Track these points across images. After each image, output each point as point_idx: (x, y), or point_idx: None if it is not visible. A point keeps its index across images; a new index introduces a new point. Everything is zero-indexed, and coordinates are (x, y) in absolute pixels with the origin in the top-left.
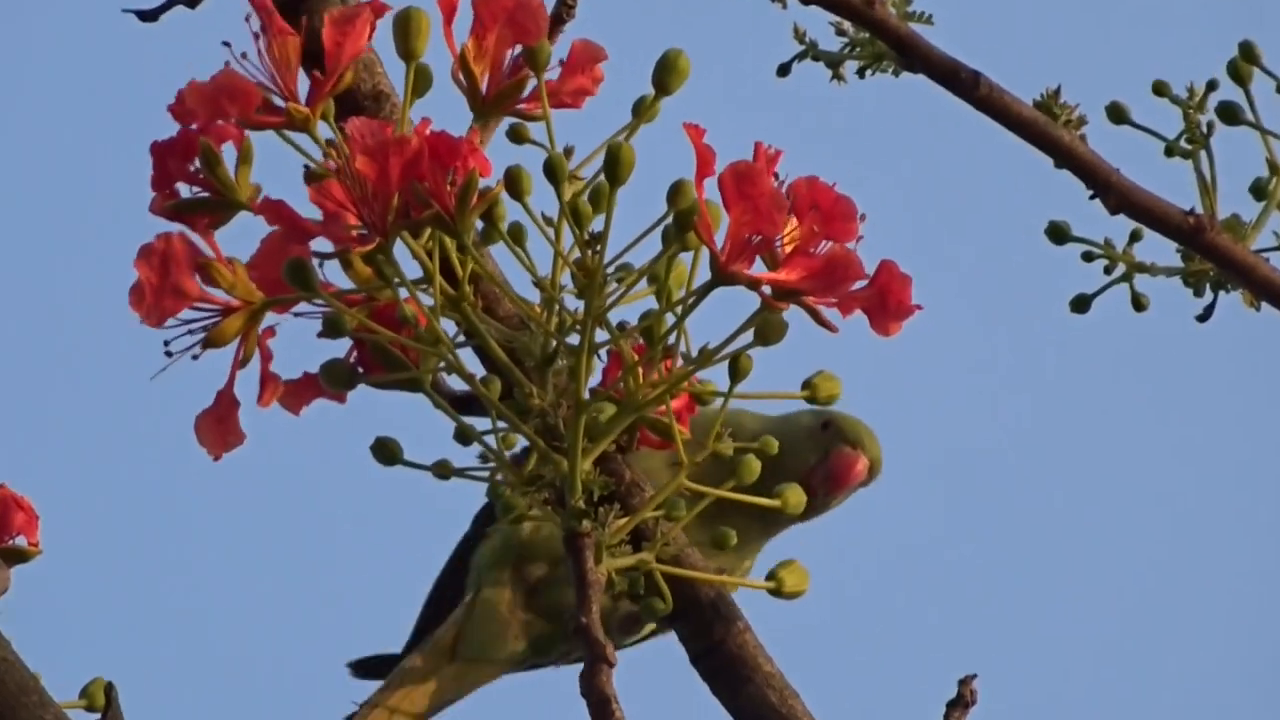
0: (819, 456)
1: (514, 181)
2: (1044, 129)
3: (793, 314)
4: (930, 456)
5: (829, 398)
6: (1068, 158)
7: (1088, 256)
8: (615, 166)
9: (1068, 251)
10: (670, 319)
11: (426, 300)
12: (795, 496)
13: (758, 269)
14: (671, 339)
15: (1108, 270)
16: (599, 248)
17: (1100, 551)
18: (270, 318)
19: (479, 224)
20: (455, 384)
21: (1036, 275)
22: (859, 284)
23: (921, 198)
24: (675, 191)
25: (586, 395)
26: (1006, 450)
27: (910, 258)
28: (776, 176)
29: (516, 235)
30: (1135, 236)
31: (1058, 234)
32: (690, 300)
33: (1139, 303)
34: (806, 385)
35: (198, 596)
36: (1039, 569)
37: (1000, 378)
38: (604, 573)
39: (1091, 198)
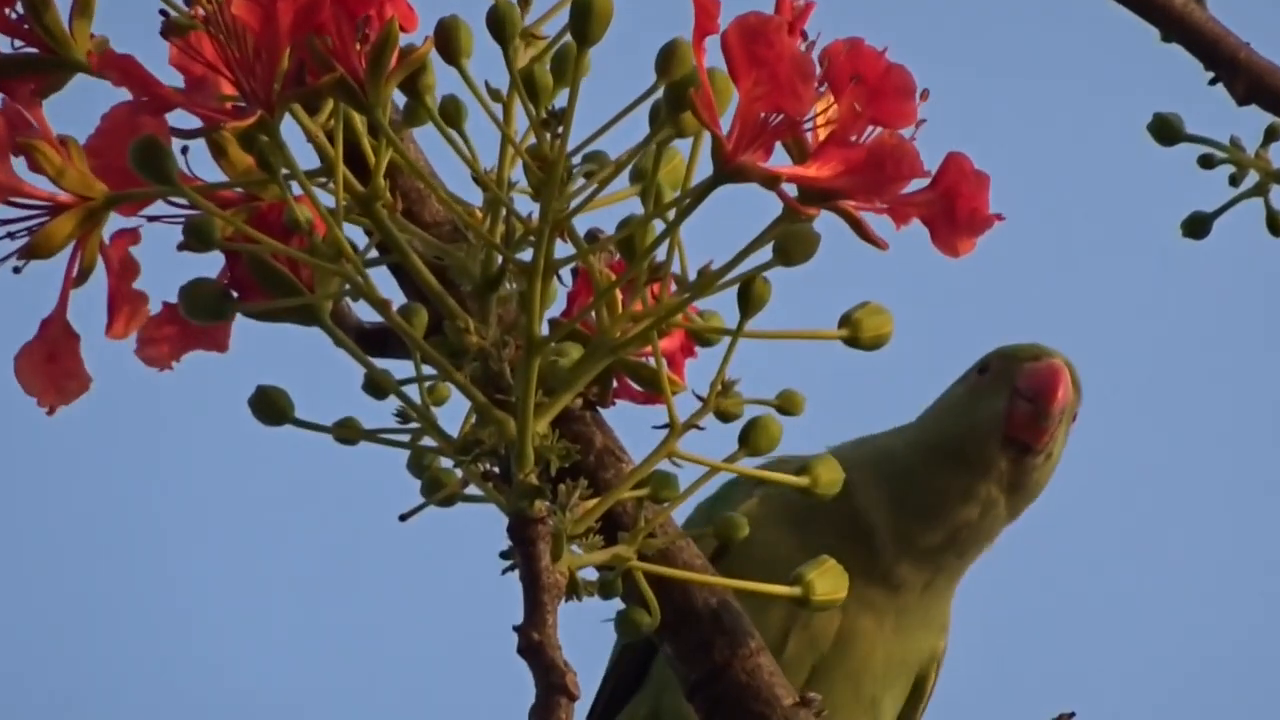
0: (1004, 399)
1: (448, 38)
2: None
3: (827, 224)
4: None
5: (876, 338)
6: (1179, 27)
7: (1207, 161)
8: (585, 20)
9: (1180, 155)
10: (659, 227)
11: (326, 200)
12: (829, 473)
13: (778, 161)
14: (661, 255)
15: (1234, 180)
16: (561, 131)
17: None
18: (121, 222)
19: (399, 97)
20: (365, 315)
21: (1140, 186)
22: (917, 185)
23: (994, 81)
24: (667, 55)
25: (543, 330)
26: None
27: (977, 156)
28: (805, 37)
29: (451, 114)
30: (1272, 135)
31: (1166, 131)
32: (686, 202)
33: (1276, 224)
34: (845, 321)
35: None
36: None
37: (1090, 320)
38: (565, 572)
39: (1213, 82)
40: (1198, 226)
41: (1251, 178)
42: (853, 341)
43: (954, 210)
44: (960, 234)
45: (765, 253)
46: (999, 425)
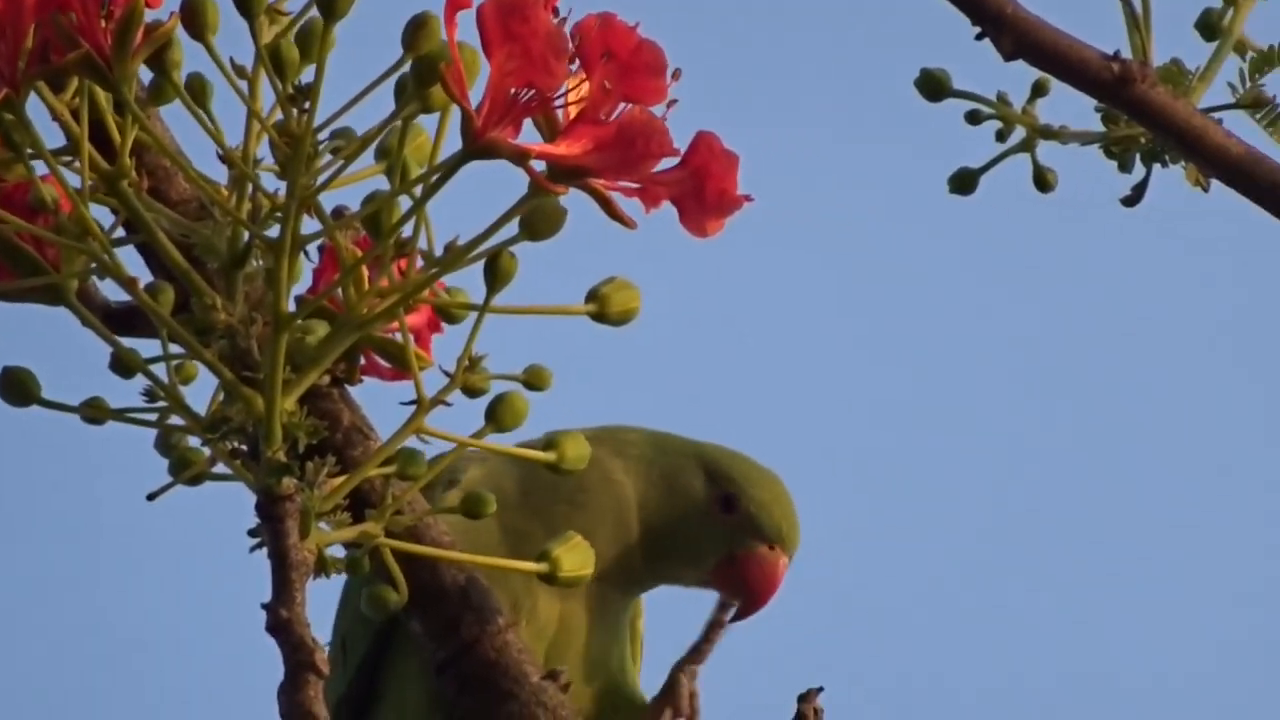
0: (722, 553)
1: (194, 14)
2: None
3: (580, 204)
4: (769, 385)
5: (623, 313)
6: None
7: (974, 117)
8: None
9: (946, 110)
10: (405, 204)
11: (72, 179)
12: (575, 449)
13: (527, 138)
14: (408, 231)
15: (1001, 136)
16: (308, 106)
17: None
18: None
19: (145, 74)
20: (113, 294)
21: (905, 143)
22: (667, 164)
23: (750, 45)
24: (415, 28)
25: (290, 307)
26: (869, 380)
27: (735, 129)
28: (556, 13)
29: (197, 91)
30: (1039, 90)
31: (933, 87)
32: (434, 178)
33: (1044, 180)
34: (593, 296)
35: None
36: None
37: (855, 282)
38: (313, 549)
39: (979, 37)
40: (965, 182)
41: (1019, 133)
42: (600, 316)
43: (703, 190)
44: (709, 214)
45: (513, 228)
46: (714, 572)
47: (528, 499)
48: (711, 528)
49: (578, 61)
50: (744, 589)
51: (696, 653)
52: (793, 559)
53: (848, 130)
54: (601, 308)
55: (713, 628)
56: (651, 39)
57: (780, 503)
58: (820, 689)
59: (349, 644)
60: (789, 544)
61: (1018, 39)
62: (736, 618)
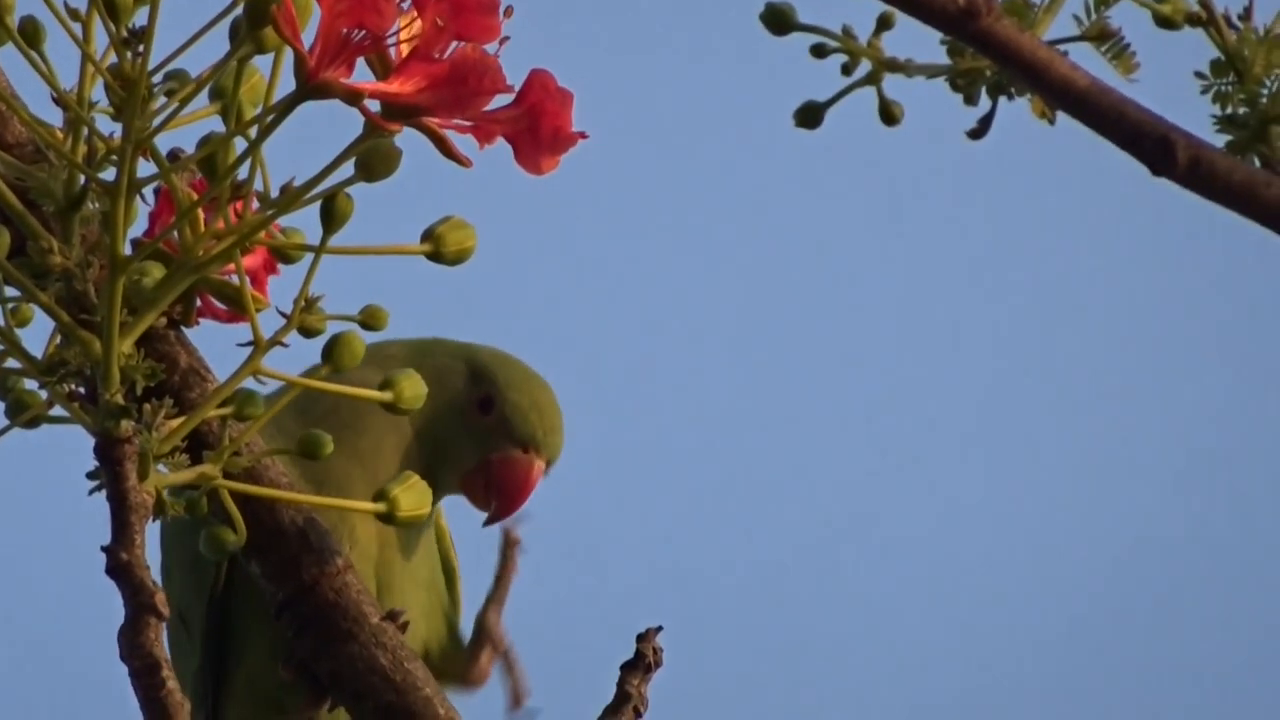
0: (477, 456)
1: None
2: None
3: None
4: (603, 325)
5: (459, 253)
6: None
7: (819, 51)
8: None
9: (792, 44)
10: (241, 145)
11: None
12: (412, 388)
13: (361, 77)
14: (243, 174)
15: (847, 70)
16: (142, 49)
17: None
18: None
19: None
20: None
21: (751, 78)
22: (501, 102)
23: None
24: None
25: (127, 250)
26: (708, 318)
27: (570, 68)
28: None
29: (30, 34)
30: (884, 24)
31: (778, 20)
32: (269, 119)
33: (890, 113)
34: (428, 236)
35: None
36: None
37: (699, 215)
38: (151, 491)
39: None
40: (810, 116)
41: (865, 67)
42: (436, 256)
43: (538, 128)
44: (543, 152)
45: (349, 169)
46: (471, 474)
47: (308, 424)
48: (470, 429)
49: (409, 0)
50: (494, 492)
51: (496, 592)
52: (551, 466)
53: (692, 64)
54: (437, 247)
55: (504, 566)
56: None
57: (539, 407)
58: (659, 628)
59: (187, 618)
60: (545, 449)
61: None
62: (488, 522)
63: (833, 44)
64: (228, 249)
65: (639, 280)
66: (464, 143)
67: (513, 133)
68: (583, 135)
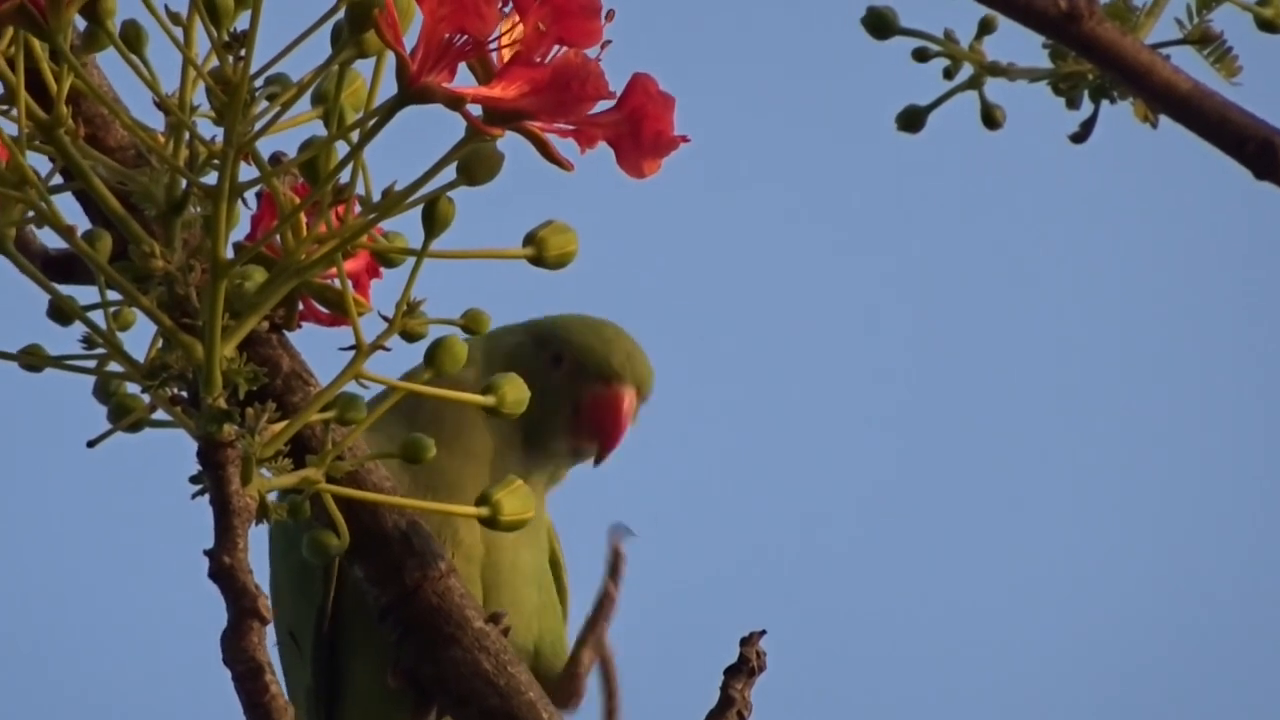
0: (569, 407)
1: None
2: None
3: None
4: (710, 340)
5: (560, 256)
6: None
7: (922, 55)
8: None
9: (894, 48)
10: (342, 150)
11: (9, 128)
12: (515, 392)
13: (463, 82)
14: (345, 178)
15: (949, 74)
16: (243, 53)
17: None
18: None
19: (79, 22)
20: (51, 241)
21: (853, 82)
22: (603, 106)
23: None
24: None
25: (228, 254)
26: (817, 333)
27: (673, 72)
28: None
29: (132, 38)
30: (986, 27)
31: (880, 25)
32: (370, 124)
33: (991, 117)
34: (530, 240)
35: None
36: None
37: (802, 221)
38: (254, 496)
39: None
40: (913, 120)
41: (966, 70)
42: (538, 260)
43: (639, 132)
44: (645, 155)
45: (451, 173)
46: (567, 430)
47: (411, 427)
48: (554, 389)
49: (511, 4)
50: (591, 432)
51: (600, 609)
52: (645, 394)
53: (793, 69)
54: (539, 251)
55: (608, 581)
56: None
57: (604, 339)
58: (763, 632)
59: (298, 636)
60: (627, 375)
61: None
62: (596, 460)
63: (935, 48)
64: (330, 252)
65: (737, 281)
66: (565, 146)
67: (615, 136)
68: (685, 139)
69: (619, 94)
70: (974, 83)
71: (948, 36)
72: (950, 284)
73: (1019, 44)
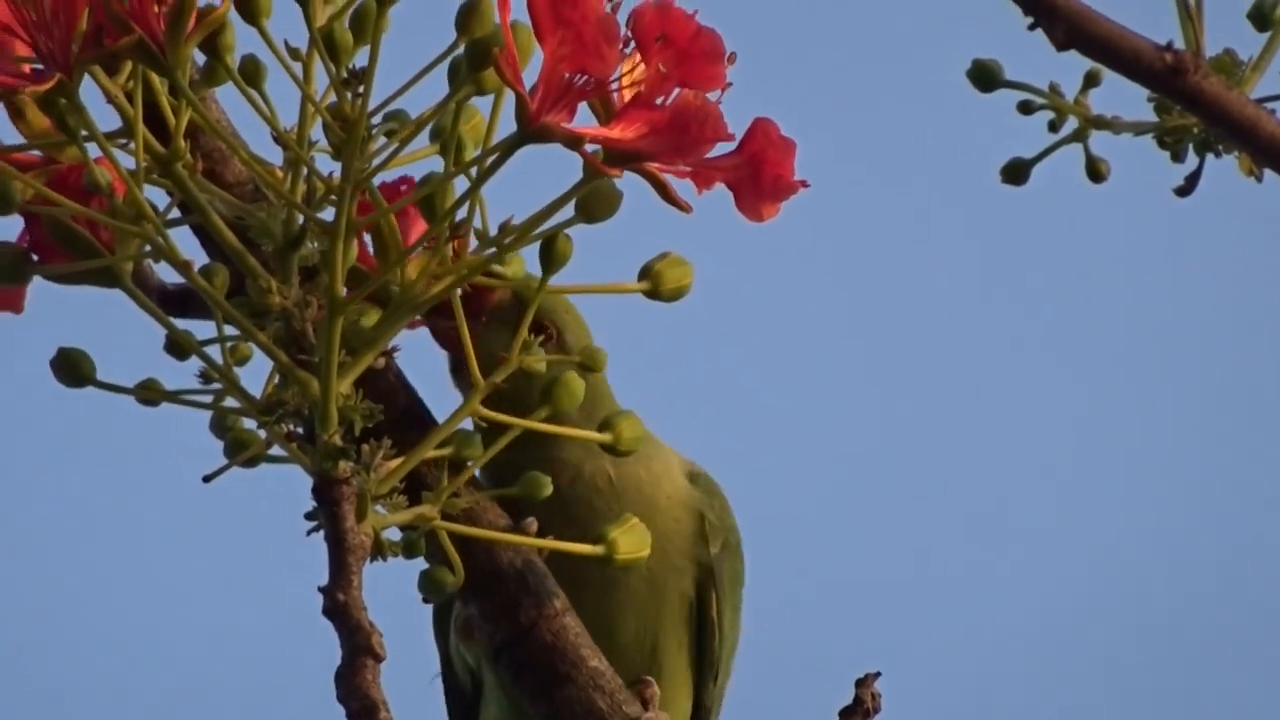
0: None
1: None
2: None
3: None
4: (820, 380)
5: (676, 290)
6: None
7: (1026, 108)
8: None
9: (999, 101)
10: (460, 186)
11: (127, 162)
12: (631, 429)
13: (583, 122)
14: (463, 214)
15: (1054, 127)
16: (362, 90)
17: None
18: None
19: (200, 56)
20: (168, 276)
21: (958, 134)
22: (723, 149)
23: (804, 35)
24: (468, 12)
25: (344, 290)
26: (922, 382)
27: (789, 116)
28: None
29: (251, 73)
30: (1091, 81)
31: (985, 77)
32: (488, 162)
33: (1096, 170)
34: (646, 274)
35: None
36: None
37: (910, 274)
38: (369, 533)
39: (1032, 27)
40: (1017, 173)
41: (1071, 123)
42: (653, 294)
43: (759, 176)
44: (764, 199)
45: (569, 210)
46: None
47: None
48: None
49: (633, 45)
50: None
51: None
52: None
53: (897, 118)
54: (655, 284)
55: None
56: (709, 26)
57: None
58: (878, 674)
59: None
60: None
61: (1070, 29)
62: None
63: (1039, 100)
64: (446, 289)
65: (842, 320)
66: (683, 186)
67: (734, 180)
68: (804, 184)
69: (739, 137)
70: (1079, 136)
71: (1053, 89)
72: (1055, 337)
73: (1125, 97)
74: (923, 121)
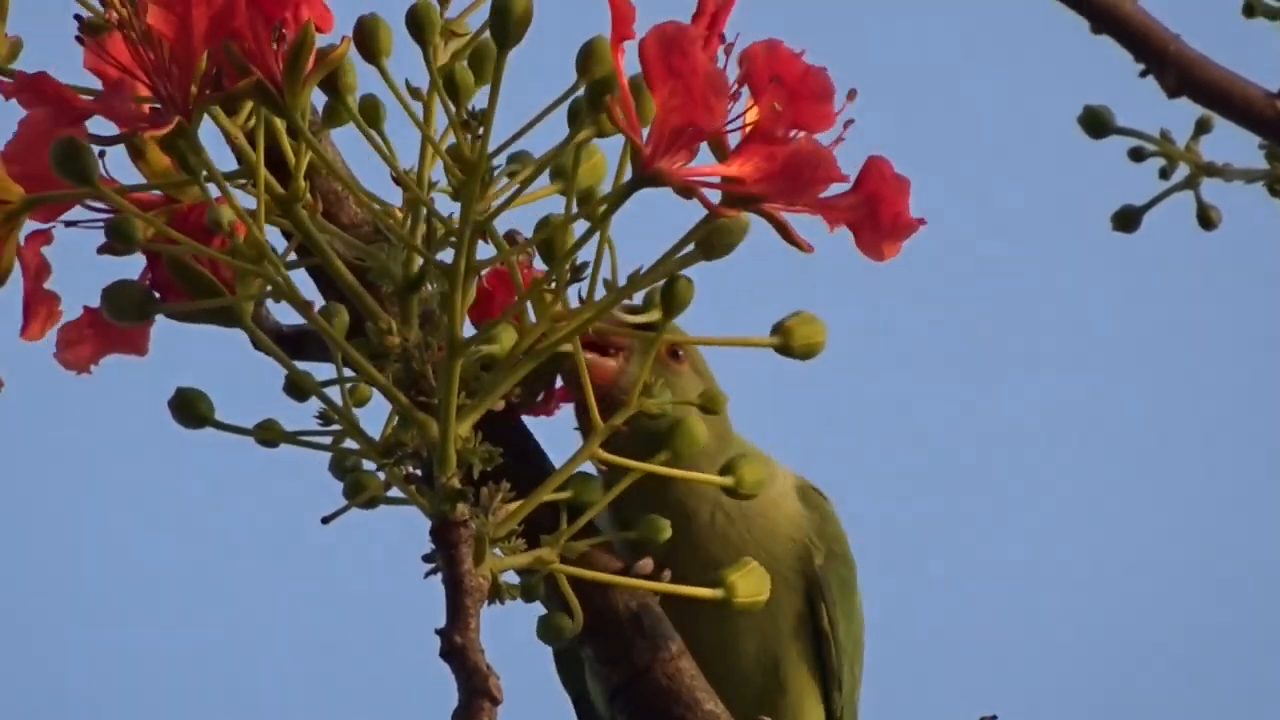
0: None
1: (367, 37)
2: None
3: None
4: (927, 433)
5: (808, 347)
6: (1109, 20)
7: (1137, 155)
8: (505, 18)
9: (1110, 148)
10: (579, 228)
11: (247, 202)
12: (753, 472)
13: (702, 162)
14: (581, 255)
15: (1165, 174)
16: (482, 131)
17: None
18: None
19: (319, 96)
20: (286, 317)
21: (1068, 181)
22: (839, 189)
23: (915, 79)
24: (588, 54)
25: (465, 332)
26: (1030, 430)
27: (900, 157)
28: (723, 39)
29: (370, 114)
30: (1202, 127)
31: (1096, 124)
32: (603, 207)
33: (1207, 217)
34: (778, 330)
35: None
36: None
37: (1022, 319)
38: (487, 575)
39: (1143, 74)
40: (1128, 220)
41: (1182, 170)
42: (785, 349)
43: (877, 215)
44: (884, 238)
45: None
46: None
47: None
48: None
49: (745, 86)
50: None
51: None
52: None
53: (1008, 165)
54: (786, 341)
55: None
56: (819, 66)
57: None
58: (994, 718)
59: None
60: None
61: (1181, 76)
62: None
63: (1150, 147)
64: (571, 333)
65: (958, 367)
66: (807, 226)
67: (853, 219)
68: (922, 222)
69: (854, 177)
70: (1190, 183)
71: (1164, 136)
72: (1167, 380)
73: (1235, 144)
74: (1029, 169)
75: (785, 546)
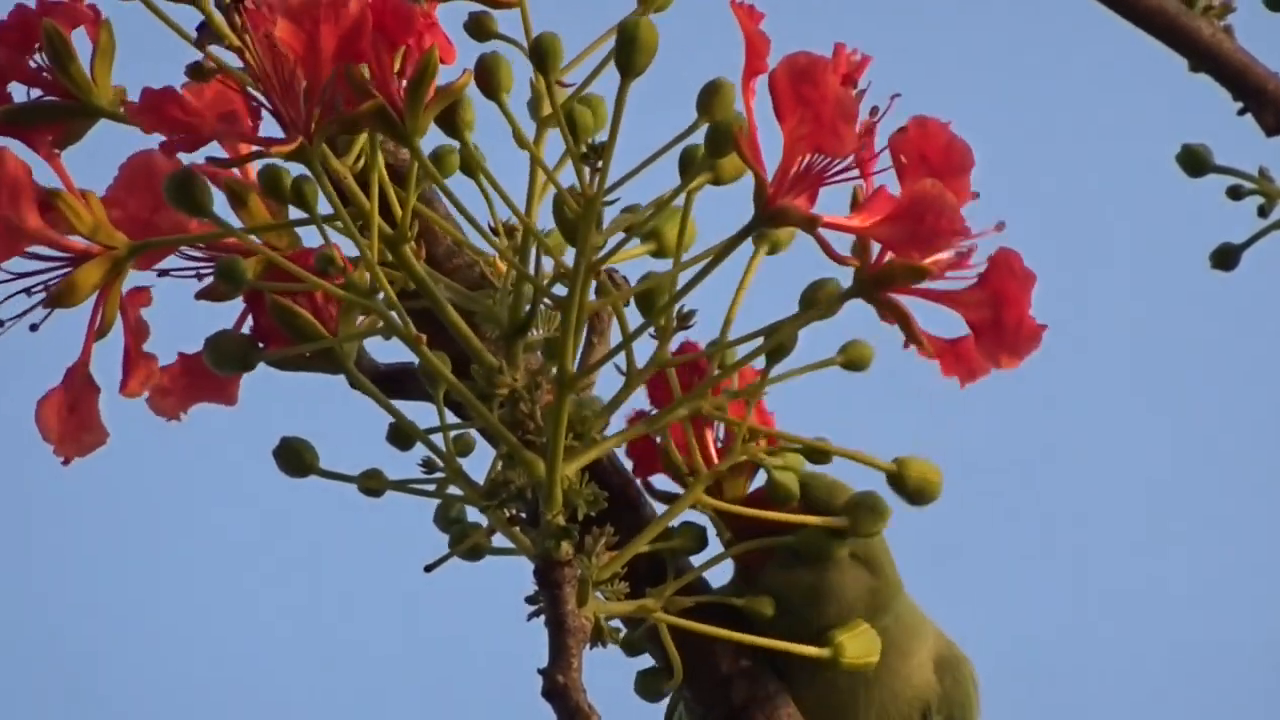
0: None
1: (489, 73)
2: (1175, 19)
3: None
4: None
5: (920, 485)
6: (1208, 57)
7: (1236, 193)
8: (630, 49)
9: (1208, 186)
10: (684, 277)
11: (336, 241)
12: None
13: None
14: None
15: (1263, 211)
16: (600, 165)
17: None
18: (139, 279)
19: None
20: (380, 356)
21: (1167, 218)
22: (965, 282)
23: (1012, 125)
24: (711, 92)
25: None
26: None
27: (997, 202)
28: (855, 84)
29: (470, 161)
30: None
31: (1194, 162)
32: (709, 259)
33: None
34: (895, 461)
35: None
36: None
37: (1120, 365)
38: (590, 618)
39: (1241, 112)
40: (1227, 258)
41: None
42: (898, 481)
43: (1001, 318)
44: (1005, 346)
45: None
46: None
47: None
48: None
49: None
50: None
51: None
52: None
53: (1107, 204)
54: (900, 471)
55: None
56: (961, 138)
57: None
58: None
59: None
60: None
61: None
62: None
63: (1249, 185)
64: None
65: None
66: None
67: (976, 319)
68: (1044, 328)
69: (982, 269)
70: None
71: (1262, 174)
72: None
73: None
74: (1125, 206)
75: (903, 710)
